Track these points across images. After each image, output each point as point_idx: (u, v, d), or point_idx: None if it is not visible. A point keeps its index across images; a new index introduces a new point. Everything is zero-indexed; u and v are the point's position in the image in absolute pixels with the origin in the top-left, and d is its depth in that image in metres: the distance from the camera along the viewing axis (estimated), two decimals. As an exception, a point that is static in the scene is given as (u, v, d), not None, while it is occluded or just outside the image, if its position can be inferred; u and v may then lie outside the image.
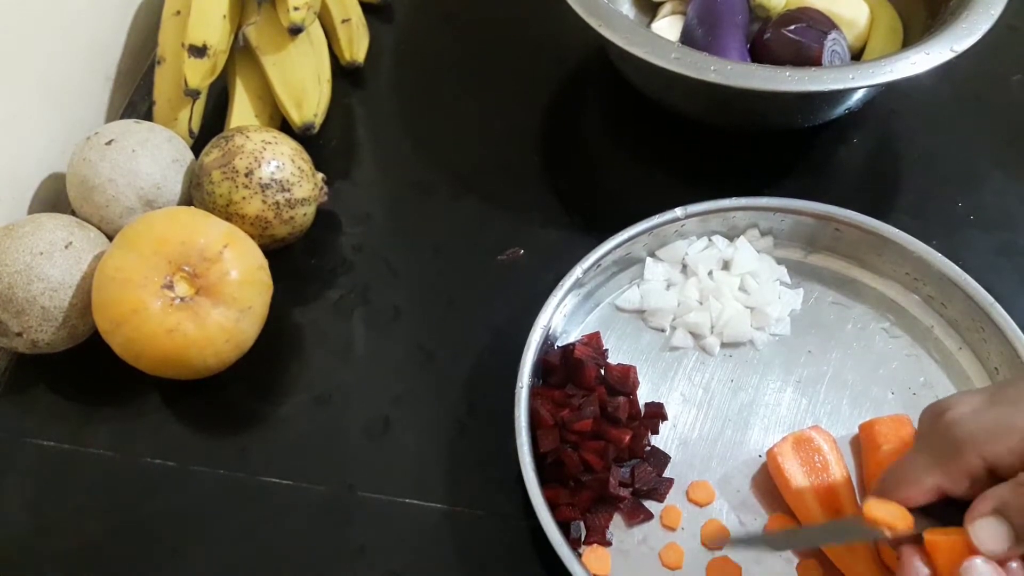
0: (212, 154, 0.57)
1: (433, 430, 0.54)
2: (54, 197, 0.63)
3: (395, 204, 0.64)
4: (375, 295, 0.60)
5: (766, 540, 0.48)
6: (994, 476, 0.38)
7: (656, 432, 0.52)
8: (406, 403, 0.55)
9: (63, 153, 0.62)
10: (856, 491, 0.49)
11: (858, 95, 0.60)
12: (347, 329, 0.58)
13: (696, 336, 0.56)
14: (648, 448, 0.51)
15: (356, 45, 0.71)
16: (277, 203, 0.56)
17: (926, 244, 0.55)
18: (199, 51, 0.60)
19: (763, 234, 0.58)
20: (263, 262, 0.54)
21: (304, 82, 0.64)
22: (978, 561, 0.36)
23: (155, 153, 0.57)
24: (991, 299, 0.53)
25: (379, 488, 0.52)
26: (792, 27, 0.61)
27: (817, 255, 0.59)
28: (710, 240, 0.58)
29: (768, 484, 0.50)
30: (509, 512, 0.50)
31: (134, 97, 0.71)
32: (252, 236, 0.55)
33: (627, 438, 0.49)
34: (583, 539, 0.48)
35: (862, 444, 0.51)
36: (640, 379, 0.53)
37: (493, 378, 0.55)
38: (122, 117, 0.69)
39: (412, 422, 0.54)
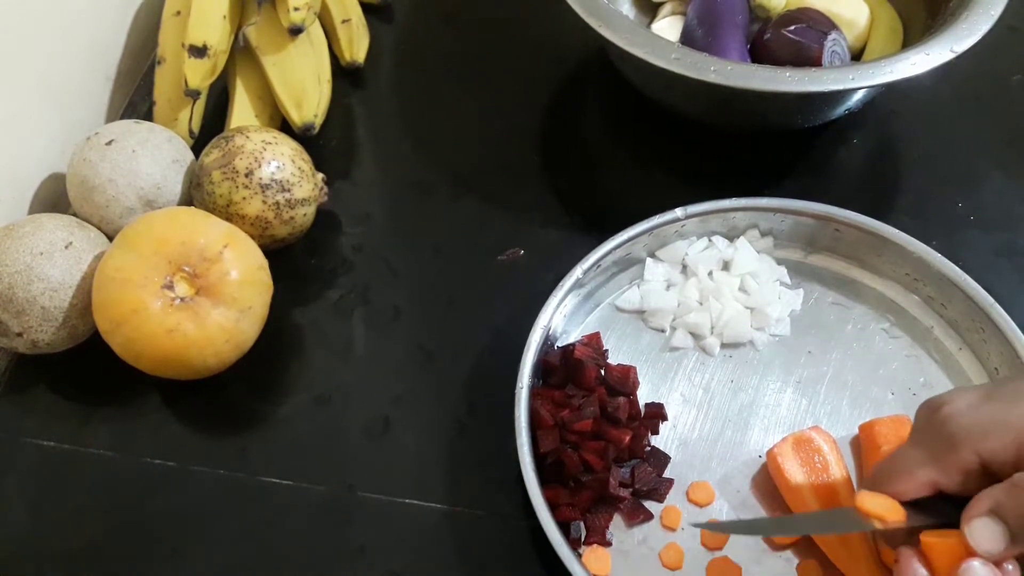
0: (212, 154, 0.57)
1: (433, 430, 0.54)
2: (54, 197, 0.63)
3: (395, 204, 0.64)
4: (375, 295, 0.60)
5: (753, 526, 0.48)
6: (988, 472, 0.38)
7: (656, 432, 0.52)
8: (406, 403, 0.55)
9: (63, 153, 0.62)
10: (856, 491, 0.49)
11: (858, 96, 0.60)
12: (347, 329, 0.58)
13: (696, 336, 0.56)
14: (648, 448, 0.51)
15: (356, 45, 0.71)
16: (277, 203, 0.56)
17: (926, 244, 0.55)
18: (199, 51, 0.60)
19: (763, 234, 0.58)
20: (263, 262, 0.54)
21: (304, 82, 0.64)
22: (975, 563, 0.37)
23: (155, 153, 0.57)
24: (991, 299, 0.53)
25: (379, 488, 0.52)
26: (792, 27, 0.61)
27: (817, 256, 0.59)
28: (710, 240, 0.58)
29: (768, 484, 0.50)
30: (509, 512, 0.50)
31: (134, 97, 0.71)
32: (252, 236, 0.55)
33: (627, 438, 0.49)
34: (583, 539, 0.48)
35: (862, 445, 0.51)
36: (640, 379, 0.53)
37: (493, 378, 0.55)
38: (122, 117, 0.69)
39: (412, 422, 0.54)
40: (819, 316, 0.57)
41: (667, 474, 0.51)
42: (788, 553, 0.48)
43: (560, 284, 0.53)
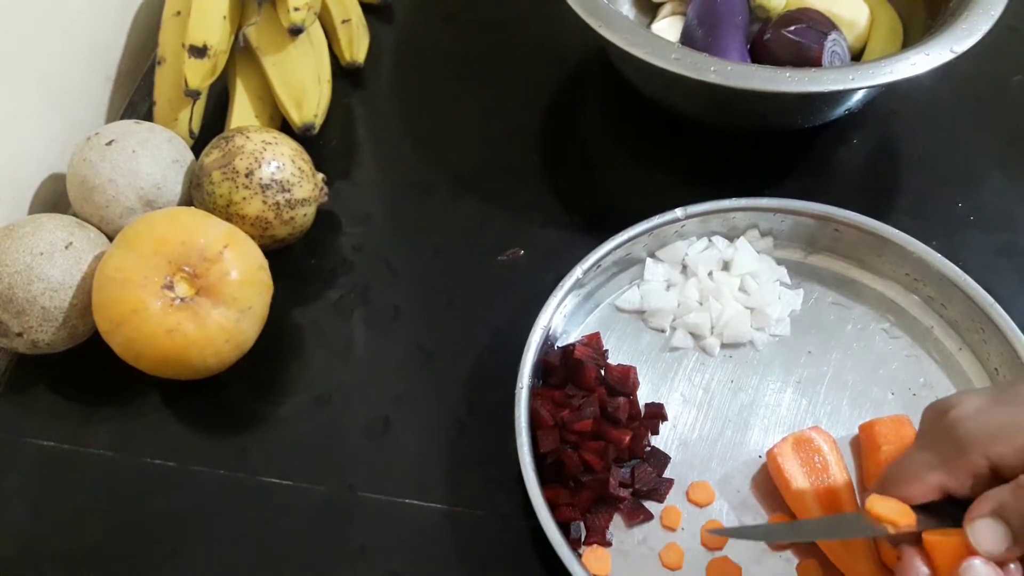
0: (212, 154, 0.57)
1: (433, 430, 0.54)
2: (54, 197, 0.63)
3: (395, 204, 0.64)
4: (375, 295, 0.60)
5: (762, 532, 0.48)
6: (997, 476, 0.38)
7: (656, 432, 0.52)
8: (406, 403, 0.55)
9: (63, 153, 0.62)
10: (856, 492, 0.49)
11: (858, 96, 0.60)
12: (347, 329, 0.58)
13: (696, 337, 0.56)
14: (648, 448, 0.51)
15: (356, 45, 0.71)
16: (277, 203, 0.56)
17: (926, 244, 0.55)
18: (199, 51, 0.60)
19: (763, 235, 0.58)
20: (263, 262, 0.54)
21: (304, 82, 0.64)
22: (977, 562, 0.36)
23: (155, 153, 0.57)
24: (991, 299, 0.53)
25: (379, 488, 0.52)
26: (792, 28, 0.61)
27: (817, 256, 0.59)
28: (710, 241, 0.58)
29: (768, 484, 0.50)
30: (509, 512, 0.50)
31: (134, 97, 0.71)
32: (252, 236, 0.55)
33: (627, 438, 0.49)
34: (583, 539, 0.48)
35: (862, 445, 0.51)
36: (640, 379, 0.53)
37: (493, 378, 0.55)
38: (122, 117, 0.69)
39: (412, 422, 0.54)
40: (819, 316, 0.57)
41: (667, 474, 0.51)
42: (788, 553, 0.48)
43: (560, 284, 0.53)
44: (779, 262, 0.58)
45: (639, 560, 0.48)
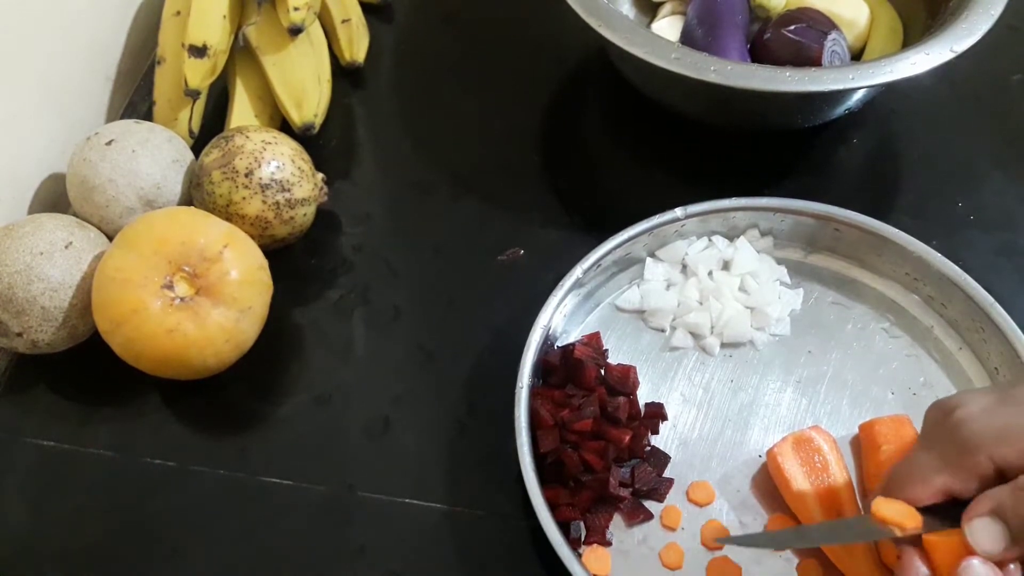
0: (212, 154, 0.57)
1: (433, 430, 0.54)
2: (54, 197, 0.63)
3: (395, 204, 0.64)
4: (375, 295, 0.60)
5: (769, 540, 0.48)
6: (1003, 478, 0.38)
7: (656, 432, 0.52)
8: (406, 403, 0.55)
9: (63, 153, 0.62)
10: (856, 491, 0.49)
11: (858, 95, 0.60)
12: (347, 329, 0.58)
13: (696, 336, 0.56)
14: (648, 448, 0.51)
15: (356, 45, 0.71)
16: (277, 203, 0.56)
17: (926, 244, 0.55)
18: (199, 51, 0.60)
19: (763, 234, 0.58)
20: (263, 262, 0.54)
21: (304, 82, 0.64)
22: (975, 562, 0.36)
23: (155, 153, 0.57)
24: (991, 299, 0.53)
25: (379, 488, 0.52)
26: (792, 27, 0.61)
27: (817, 255, 0.59)
28: (710, 240, 0.58)
29: (768, 484, 0.50)
30: (509, 512, 0.50)
31: (134, 97, 0.71)
32: (252, 236, 0.55)
33: (627, 438, 0.49)
34: (583, 539, 0.48)
35: (862, 444, 0.51)
36: (640, 379, 0.53)
37: (493, 378, 0.55)
38: (122, 117, 0.69)
39: (412, 422, 0.54)
40: (819, 316, 0.57)
41: (667, 474, 0.51)
42: (788, 553, 0.48)
43: (560, 284, 0.53)
44: (779, 262, 0.58)
45: (639, 560, 0.48)
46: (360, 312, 0.59)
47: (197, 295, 0.50)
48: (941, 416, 0.40)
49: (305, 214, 0.58)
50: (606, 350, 0.54)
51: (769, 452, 0.50)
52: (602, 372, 0.51)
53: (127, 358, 0.52)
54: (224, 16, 0.61)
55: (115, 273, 0.50)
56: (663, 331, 0.56)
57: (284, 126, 0.66)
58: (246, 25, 0.64)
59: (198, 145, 0.60)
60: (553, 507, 0.47)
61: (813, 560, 0.47)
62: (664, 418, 0.52)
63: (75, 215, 0.57)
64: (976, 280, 0.53)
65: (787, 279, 0.58)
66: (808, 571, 0.47)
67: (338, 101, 0.69)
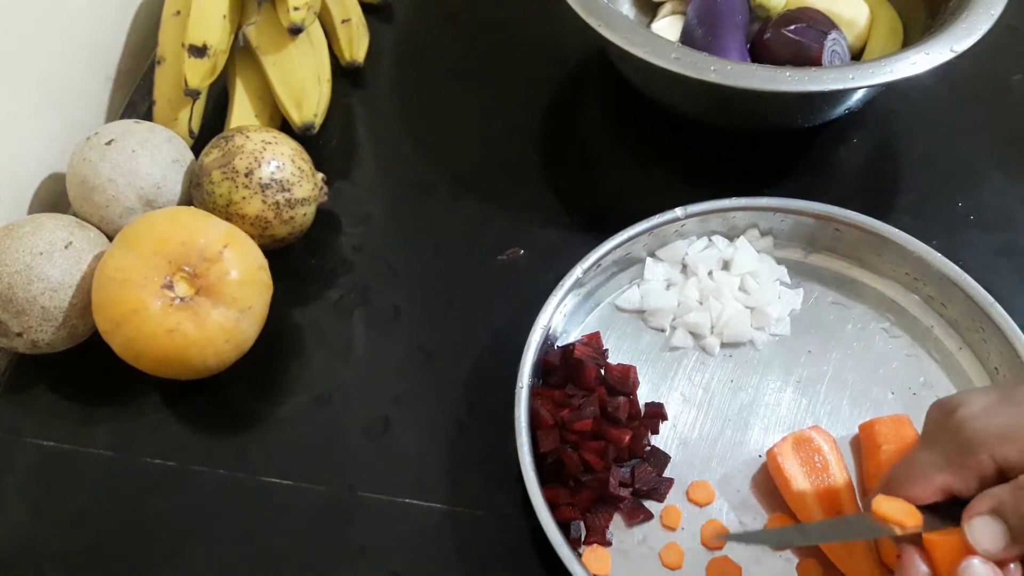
0: (212, 154, 0.57)
1: (433, 430, 0.54)
2: (54, 197, 0.63)
3: (395, 204, 0.64)
4: (375, 295, 0.60)
5: (770, 537, 0.48)
6: (1004, 477, 0.38)
7: (656, 432, 0.52)
8: (406, 403, 0.55)
9: (63, 153, 0.62)
10: (856, 491, 0.49)
11: (858, 95, 0.60)
12: (347, 329, 0.58)
13: (696, 336, 0.56)
14: (648, 448, 0.51)
15: (356, 45, 0.71)
16: (277, 203, 0.56)
17: (926, 244, 0.55)
18: (199, 51, 0.60)
19: (763, 234, 0.58)
20: (263, 262, 0.54)
21: (304, 82, 0.64)
22: (976, 561, 0.36)
23: (155, 153, 0.57)
24: (991, 299, 0.53)
25: (379, 488, 0.52)
26: (792, 27, 0.61)
27: (817, 255, 0.59)
28: (710, 240, 0.58)
29: (768, 484, 0.50)
30: (509, 512, 0.50)
31: (134, 97, 0.71)
32: (252, 236, 0.55)
33: (627, 438, 0.49)
34: (583, 539, 0.48)
35: (862, 444, 0.51)
36: (640, 379, 0.53)
37: (493, 378, 0.55)
38: (122, 117, 0.69)
39: (412, 422, 0.54)
40: (819, 316, 0.57)
41: (667, 474, 0.51)
42: (788, 553, 0.48)
43: (560, 284, 0.53)
44: (779, 262, 0.58)
45: (639, 560, 0.48)
46: (360, 312, 0.59)
47: (197, 295, 0.50)
48: (943, 415, 0.40)
49: (305, 214, 0.58)
50: (606, 350, 0.54)
51: (769, 452, 0.50)
52: (602, 372, 0.51)
53: (127, 358, 0.52)
54: (224, 16, 0.61)
55: (115, 273, 0.50)
56: (663, 331, 0.56)
57: (284, 126, 0.66)
58: (246, 25, 0.64)
59: (198, 145, 0.60)
60: (553, 507, 0.47)
61: (813, 560, 0.47)
62: (664, 418, 0.52)
63: (75, 215, 0.57)
64: (976, 280, 0.53)
65: (787, 279, 0.58)
66: (808, 571, 0.47)
67: (338, 101, 0.69)
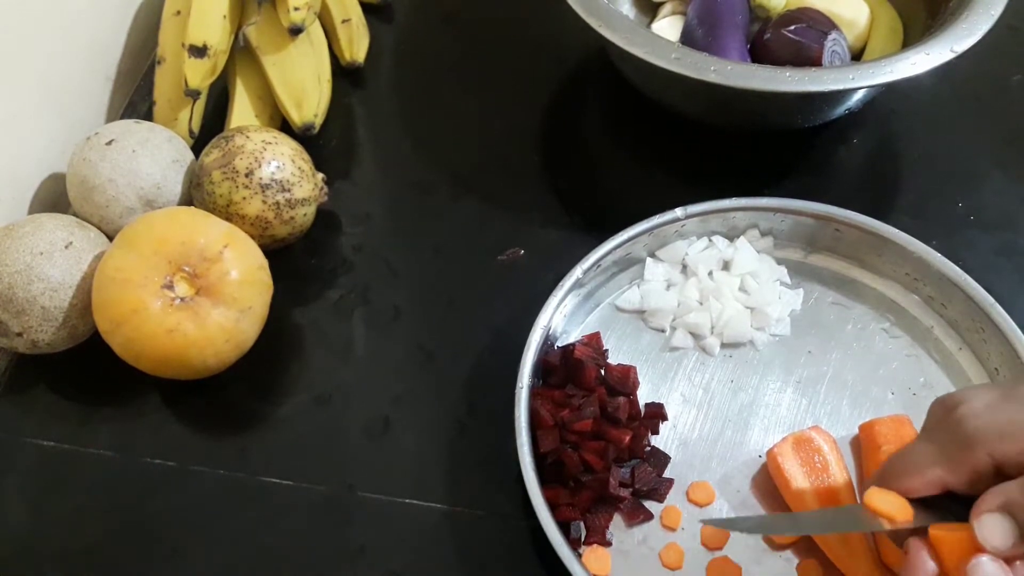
0: (212, 154, 0.57)
1: (433, 430, 0.54)
2: (54, 197, 0.63)
3: (395, 204, 0.64)
4: (375, 295, 0.60)
5: (762, 525, 0.48)
6: (1000, 474, 0.38)
7: (656, 432, 0.52)
8: (406, 403, 0.55)
9: (63, 153, 0.62)
10: (856, 492, 0.49)
11: (858, 95, 0.60)
12: (347, 329, 0.58)
13: (696, 336, 0.56)
14: (648, 448, 0.51)
15: (356, 45, 0.71)
16: (277, 203, 0.56)
17: (926, 244, 0.55)
18: (199, 51, 0.60)
19: (763, 234, 0.58)
20: (263, 262, 0.54)
21: (304, 82, 0.64)
22: (985, 559, 0.36)
23: (155, 153, 0.57)
24: (991, 299, 0.53)
25: (379, 488, 0.52)
26: (792, 27, 0.61)
27: (817, 255, 0.59)
28: (710, 240, 0.58)
29: (768, 484, 0.50)
30: (509, 512, 0.50)
31: (134, 97, 0.71)
32: (252, 236, 0.55)
33: (627, 438, 0.49)
34: (583, 539, 0.48)
35: (862, 444, 0.51)
36: (640, 379, 0.53)
37: (493, 378, 0.55)
38: (122, 117, 0.69)
39: (412, 422, 0.54)
40: (819, 316, 0.57)
41: (667, 474, 0.51)
42: (788, 553, 0.48)
43: (560, 284, 0.53)
44: (779, 262, 0.58)
45: (639, 560, 0.48)
46: (360, 312, 0.59)
47: (197, 295, 0.50)
48: (944, 411, 0.41)
49: (305, 214, 0.58)
50: (606, 350, 0.54)
51: (769, 452, 0.50)
52: (602, 372, 0.51)
53: (127, 358, 0.52)
54: (224, 16, 0.61)
55: (115, 273, 0.50)
56: (663, 331, 0.56)
57: (284, 126, 0.66)
58: (246, 25, 0.64)
59: (198, 145, 0.60)
60: (553, 507, 0.47)
61: (813, 560, 0.47)
62: (664, 418, 0.52)
63: (75, 215, 0.57)
64: (976, 280, 0.53)
65: (787, 279, 0.58)
66: (808, 571, 0.47)
67: (338, 101, 0.69)
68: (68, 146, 0.60)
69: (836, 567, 0.47)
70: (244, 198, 0.55)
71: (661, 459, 0.51)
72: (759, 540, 0.49)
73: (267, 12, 0.63)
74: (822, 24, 0.62)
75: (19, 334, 0.52)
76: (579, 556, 0.46)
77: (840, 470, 0.49)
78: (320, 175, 0.59)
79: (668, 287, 0.57)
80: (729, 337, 0.55)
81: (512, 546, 0.50)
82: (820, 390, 0.54)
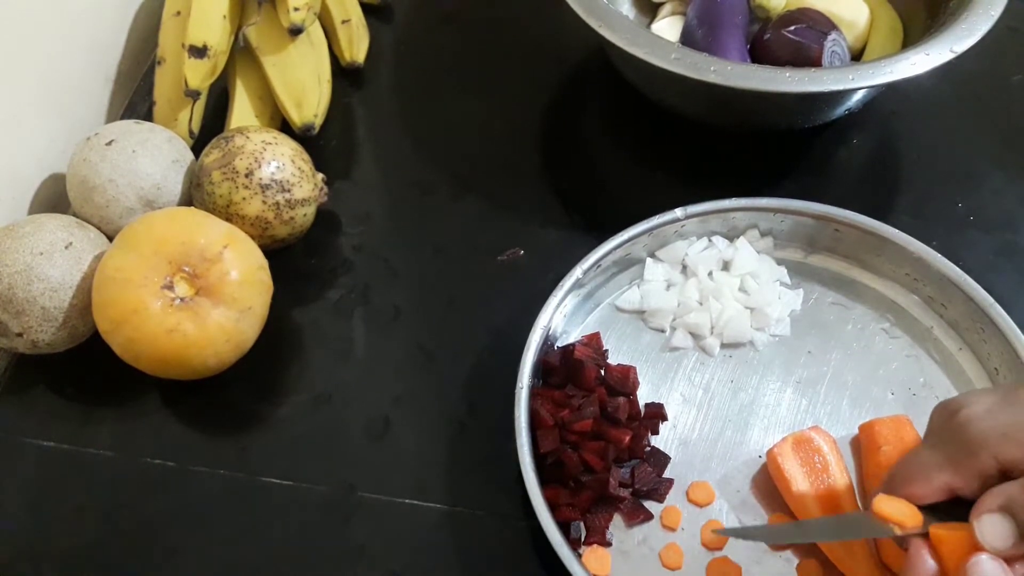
0: (212, 154, 0.57)
1: (433, 430, 0.54)
2: (54, 197, 0.63)
3: (395, 204, 0.64)
4: (375, 295, 0.60)
5: (769, 533, 0.48)
6: (1006, 478, 0.38)
7: (656, 432, 0.52)
8: (406, 403, 0.55)
9: (63, 153, 0.62)
10: (856, 492, 0.49)
11: (858, 96, 0.60)
12: (347, 329, 0.58)
13: (696, 336, 0.56)
14: (648, 448, 0.51)
15: (356, 45, 0.71)
16: (277, 203, 0.56)
17: (926, 244, 0.55)
18: (199, 52, 0.60)
19: (763, 235, 0.58)
20: (263, 262, 0.54)
21: (304, 82, 0.64)
22: (984, 558, 0.36)
23: (155, 153, 0.57)
24: (991, 299, 0.53)
25: (379, 488, 0.52)
26: (792, 28, 0.61)
27: (817, 256, 0.59)
28: (710, 241, 0.58)
29: (768, 484, 0.50)
30: (509, 512, 0.50)
31: (134, 98, 0.71)
32: (252, 236, 0.55)
33: (627, 438, 0.49)
34: (583, 539, 0.48)
35: (862, 445, 0.51)
36: (640, 379, 0.53)
37: (493, 378, 0.55)
38: (122, 118, 0.69)
39: (412, 422, 0.54)
40: (819, 316, 0.57)
41: (667, 474, 0.51)
42: (788, 553, 0.48)
43: (560, 284, 0.53)
44: (779, 262, 0.58)
45: (639, 560, 0.48)
46: (360, 312, 0.59)
47: (197, 295, 0.50)
48: (946, 416, 0.41)
49: (305, 214, 0.58)
50: (606, 350, 0.54)
51: (769, 452, 0.50)
52: (602, 372, 0.51)
53: (127, 358, 0.52)
54: (224, 16, 0.61)
55: (115, 273, 0.50)
56: (663, 331, 0.56)
57: (284, 126, 0.66)
58: (246, 25, 0.64)
59: (198, 145, 0.60)
60: (553, 507, 0.47)
61: (813, 560, 0.47)
62: (664, 418, 0.52)
63: (75, 215, 0.57)
64: (976, 280, 0.53)
65: (787, 279, 0.58)
66: (808, 571, 0.47)
67: (338, 101, 0.69)
68: (68, 146, 0.60)
69: (836, 567, 0.47)
70: (244, 198, 0.55)
71: (661, 459, 0.51)
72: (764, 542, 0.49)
73: (267, 12, 0.63)
74: (822, 24, 0.62)
75: (19, 334, 0.52)
76: (579, 556, 0.46)
77: (840, 470, 0.49)
78: (320, 175, 0.59)
79: (668, 287, 0.57)
80: (729, 337, 0.55)
81: (512, 546, 0.50)
82: (820, 390, 0.54)
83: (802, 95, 0.54)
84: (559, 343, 0.54)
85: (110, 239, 0.55)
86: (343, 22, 0.70)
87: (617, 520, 0.49)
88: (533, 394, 0.50)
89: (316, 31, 0.67)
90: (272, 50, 0.63)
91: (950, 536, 0.38)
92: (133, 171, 0.56)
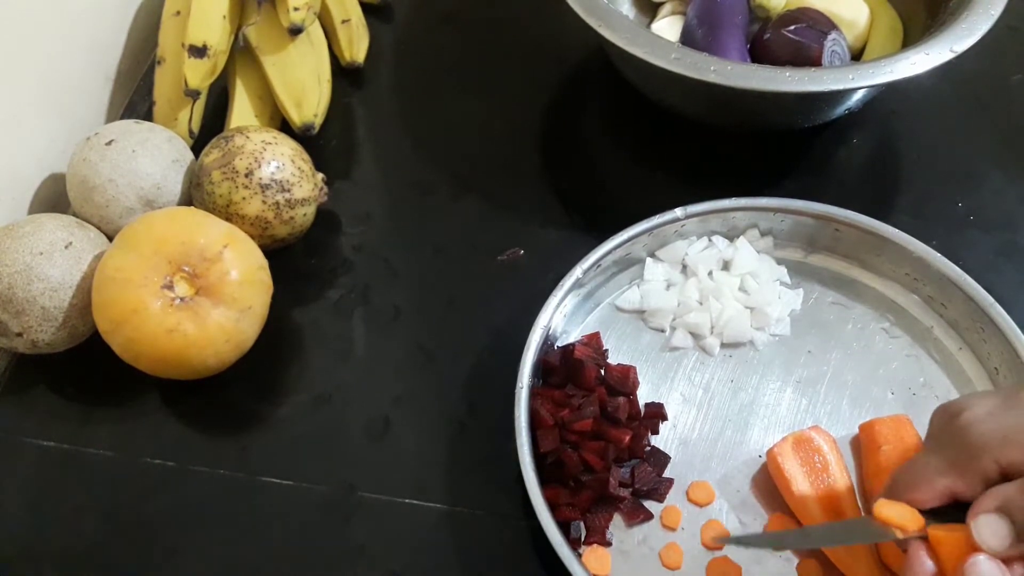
0: (212, 154, 0.57)
1: (433, 430, 0.54)
2: (54, 197, 0.63)
3: (395, 204, 0.64)
4: (375, 295, 0.60)
5: (771, 540, 0.48)
6: (1007, 480, 0.38)
7: (656, 432, 0.52)
8: (406, 403, 0.55)
9: (63, 153, 0.62)
10: (856, 491, 0.49)
11: (858, 95, 0.60)
12: (347, 329, 0.58)
13: (696, 336, 0.56)
14: (648, 448, 0.51)
15: (356, 45, 0.71)
16: (277, 203, 0.56)
17: (926, 244, 0.55)
18: (199, 51, 0.60)
19: (763, 234, 0.58)
20: (263, 262, 0.54)
21: (304, 82, 0.64)
22: (982, 558, 0.36)
23: (155, 153, 0.57)
24: (991, 299, 0.53)
25: (379, 488, 0.52)
26: (792, 27, 0.61)
27: (817, 255, 0.59)
28: (710, 240, 0.58)
29: (768, 484, 0.50)
30: (509, 512, 0.50)
31: (134, 97, 0.71)
32: (252, 236, 0.55)
33: (627, 438, 0.49)
34: (583, 539, 0.48)
35: (862, 444, 0.51)
36: (640, 379, 0.53)
37: (493, 378, 0.55)
38: (122, 117, 0.69)
39: (412, 422, 0.54)
40: (819, 316, 0.57)
41: (667, 474, 0.51)
42: (788, 553, 0.48)
43: (560, 284, 0.53)
44: (779, 262, 0.58)
45: (639, 560, 0.48)
46: (360, 312, 0.59)
47: (197, 295, 0.50)
48: (947, 419, 0.40)
49: (305, 214, 0.58)
50: (606, 350, 0.54)
51: (769, 452, 0.50)
52: (602, 372, 0.51)
53: (127, 358, 0.52)
54: (224, 16, 0.61)
55: (115, 273, 0.50)
56: (663, 331, 0.56)
57: (284, 126, 0.66)
58: (246, 25, 0.64)
59: (198, 145, 0.60)
60: (553, 507, 0.47)
61: (813, 560, 0.47)
62: (664, 418, 0.52)
63: (75, 215, 0.57)
64: (976, 280, 0.53)
65: (787, 279, 0.58)
66: (808, 571, 0.47)
67: (338, 101, 0.69)
68: (68, 146, 0.60)
69: (836, 567, 0.47)
70: (244, 198, 0.55)
71: (661, 459, 0.51)
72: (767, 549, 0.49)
73: (267, 12, 0.63)
74: (822, 24, 0.62)
75: (19, 334, 0.52)
76: (579, 556, 0.46)
77: (840, 470, 0.49)
78: (320, 175, 0.59)
79: (668, 287, 0.57)
80: (729, 337, 0.55)
81: (512, 546, 0.50)
82: (820, 390, 0.54)
83: (802, 95, 0.54)
84: (559, 343, 0.54)
85: (110, 239, 0.55)
86: (343, 22, 0.70)
87: (617, 520, 0.49)
88: (533, 394, 0.50)
89: (316, 31, 0.67)
90: (272, 50, 0.63)
91: (948, 537, 0.38)
92: (133, 171, 0.56)
